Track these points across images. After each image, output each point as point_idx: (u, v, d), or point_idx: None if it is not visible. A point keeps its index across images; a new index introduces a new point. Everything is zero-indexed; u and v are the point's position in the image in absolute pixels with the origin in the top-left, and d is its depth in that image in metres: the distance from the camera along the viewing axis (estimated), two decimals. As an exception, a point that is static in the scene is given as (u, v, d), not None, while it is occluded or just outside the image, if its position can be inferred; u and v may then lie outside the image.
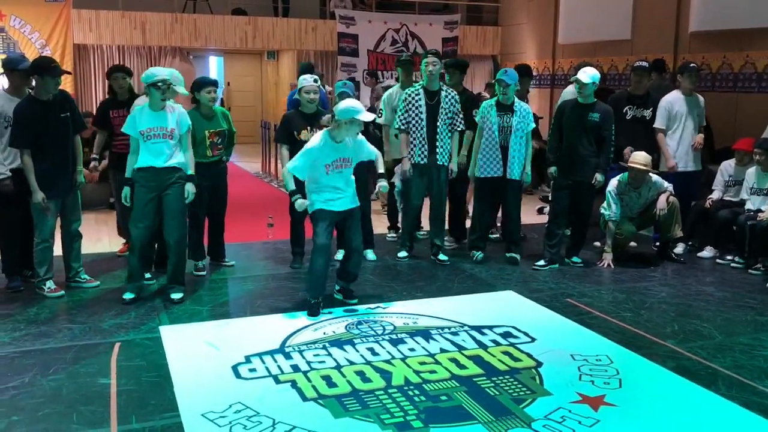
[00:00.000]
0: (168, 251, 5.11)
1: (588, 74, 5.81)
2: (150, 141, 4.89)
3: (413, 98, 5.99)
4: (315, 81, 5.72)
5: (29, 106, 4.93)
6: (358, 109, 4.66)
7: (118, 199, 5.29)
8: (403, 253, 6.24)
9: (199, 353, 4.13)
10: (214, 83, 5.59)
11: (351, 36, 12.88)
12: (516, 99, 5.96)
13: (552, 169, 6.06)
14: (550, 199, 6.62)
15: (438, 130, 5.98)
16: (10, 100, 5.06)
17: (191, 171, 5.11)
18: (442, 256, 6.18)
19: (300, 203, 4.72)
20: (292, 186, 4.76)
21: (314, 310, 4.78)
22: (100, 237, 6.97)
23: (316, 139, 4.74)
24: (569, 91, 6.97)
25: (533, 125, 6.09)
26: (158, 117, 4.91)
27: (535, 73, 12.08)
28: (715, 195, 6.55)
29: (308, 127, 5.70)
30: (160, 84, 4.86)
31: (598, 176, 5.89)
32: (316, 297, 4.82)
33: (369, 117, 4.73)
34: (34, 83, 5.06)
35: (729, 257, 6.25)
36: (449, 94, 6.04)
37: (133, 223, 5.00)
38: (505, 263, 6.14)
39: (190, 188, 5.06)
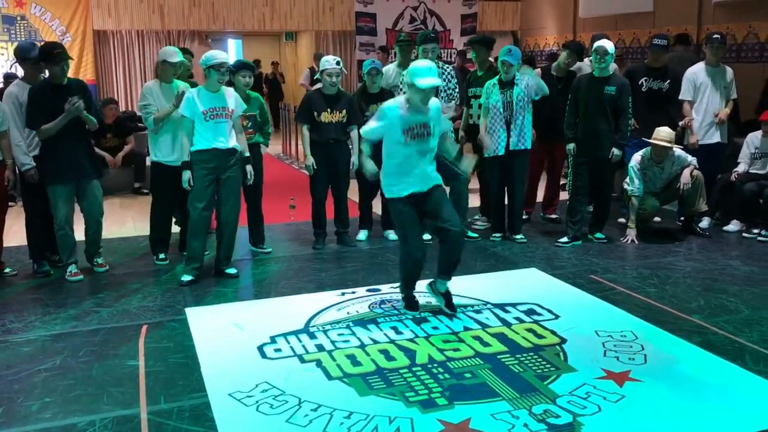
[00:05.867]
0: (222, 230, 5.16)
1: (609, 46, 5.77)
2: (213, 120, 4.91)
3: None
4: (337, 63, 5.70)
5: (42, 89, 5.02)
6: (419, 72, 4.09)
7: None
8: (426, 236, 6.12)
9: (224, 334, 4.18)
10: (251, 67, 5.57)
11: (369, 15, 12.78)
12: (517, 74, 5.86)
13: (570, 146, 6.00)
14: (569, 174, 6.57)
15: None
16: (25, 88, 5.10)
17: (247, 153, 5.22)
18: (471, 233, 6.17)
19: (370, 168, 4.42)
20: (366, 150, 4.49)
21: (409, 304, 4.52)
22: (125, 221, 7.04)
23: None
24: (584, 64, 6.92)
25: (544, 92, 5.93)
26: (218, 98, 4.96)
27: (555, 49, 11.90)
28: (741, 168, 6.45)
29: (329, 109, 5.71)
30: (220, 67, 4.89)
31: (615, 150, 5.83)
32: (405, 291, 4.55)
33: (431, 83, 4.12)
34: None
35: (755, 231, 6.17)
36: (445, 69, 5.98)
37: (192, 204, 5.02)
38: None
39: (250, 169, 5.21)
